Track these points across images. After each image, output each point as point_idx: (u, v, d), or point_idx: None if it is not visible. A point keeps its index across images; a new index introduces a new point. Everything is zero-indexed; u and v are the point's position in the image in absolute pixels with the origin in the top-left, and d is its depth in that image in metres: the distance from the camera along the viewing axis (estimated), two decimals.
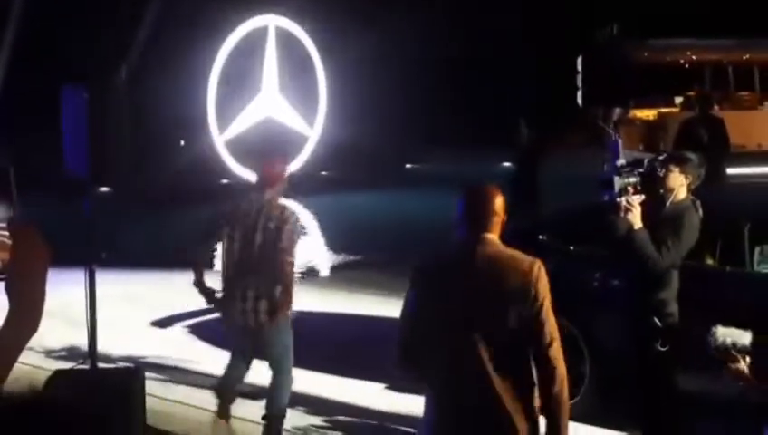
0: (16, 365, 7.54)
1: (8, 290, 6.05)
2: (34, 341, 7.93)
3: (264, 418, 6.10)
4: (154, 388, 6.88)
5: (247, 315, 5.96)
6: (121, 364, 7.61)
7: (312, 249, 14.74)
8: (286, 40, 22.30)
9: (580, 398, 6.34)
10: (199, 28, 20.97)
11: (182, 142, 24.64)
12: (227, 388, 6.36)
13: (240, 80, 22.04)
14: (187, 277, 10.35)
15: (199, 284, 6.11)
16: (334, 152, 20.73)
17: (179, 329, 9.24)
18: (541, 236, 7.12)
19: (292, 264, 5.96)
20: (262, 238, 5.95)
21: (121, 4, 19.82)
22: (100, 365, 6.18)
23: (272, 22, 22.58)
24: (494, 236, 3.75)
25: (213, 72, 21.90)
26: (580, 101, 11.43)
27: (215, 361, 8.03)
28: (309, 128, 22.80)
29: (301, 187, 21.46)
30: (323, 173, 20.58)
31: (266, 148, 21.84)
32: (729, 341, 3.83)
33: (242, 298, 5.97)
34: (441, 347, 3.69)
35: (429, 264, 3.89)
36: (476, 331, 3.63)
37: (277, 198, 6.21)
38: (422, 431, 3.83)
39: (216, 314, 9.60)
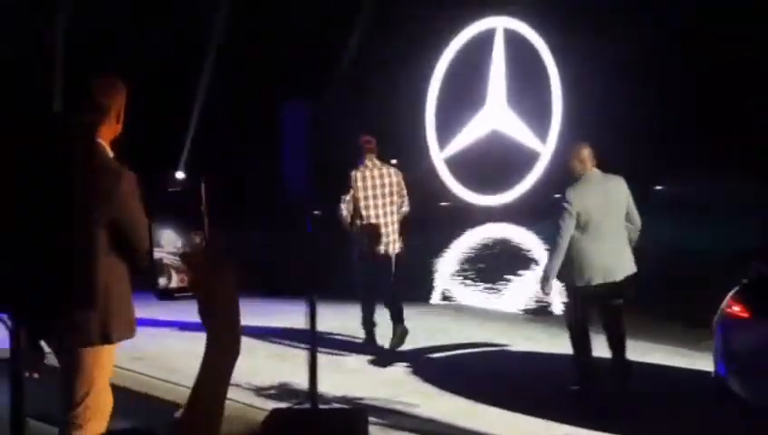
0: (227, 404, 7.95)
1: (201, 315, 6.11)
2: (241, 377, 8.36)
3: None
4: (374, 432, 7.05)
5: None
6: (338, 405, 7.83)
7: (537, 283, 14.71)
8: (516, 44, 22.30)
9: None
10: (416, 37, 21.37)
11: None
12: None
13: (462, 91, 22.25)
14: (406, 312, 10.47)
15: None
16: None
17: (399, 370, 9.41)
18: None
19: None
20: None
21: (333, 18, 20.52)
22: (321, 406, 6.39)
23: (500, 24, 22.53)
24: None
25: (432, 83, 22.20)
26: None
27: (436, 403, 8.15)
28: (541, 143, 22.75)
29: (531, 211, 21.51)
30: (558, 196, 20.45)
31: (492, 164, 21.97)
32: None
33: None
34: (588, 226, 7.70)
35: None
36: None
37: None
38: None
39: (437, 354, 9.89)
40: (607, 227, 7.71)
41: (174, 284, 3.13)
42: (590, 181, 7.76)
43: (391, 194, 9.75)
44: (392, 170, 9.87)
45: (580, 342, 7.96)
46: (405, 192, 9.88)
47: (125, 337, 4.87)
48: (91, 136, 4.63)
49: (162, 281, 3.14)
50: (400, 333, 9.84)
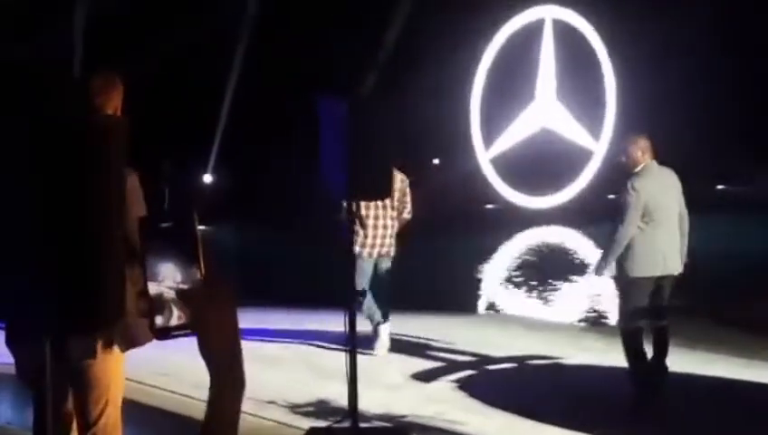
0: (260, 422, 7.92)
1: (201, 351, 5.88)
2: (275, 393, 8.33)
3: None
4: None
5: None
6: (379, 423, 7.77)
7: (595, 295, 14.61)
8: (566, 35, 22.13)
9: None
10: (460, 29, 21.32)
11: (435, 161, 25.20)
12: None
13: (509, 86, 22.15)
14: (450, 323, 10.45)
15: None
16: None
17: (444, 385, 9.35)
18: None
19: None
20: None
21: (370, 10, 20.55)
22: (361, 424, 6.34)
23: (549, 14, 22.36)
24: None
25: (477, 78, 22.14)
26: None
27: (484, 421, 8.06)
28: (594, 141, 22.59)
29: (584, 213, 21.38)
30: (612, 197, 20.32)
31: (541, 165, 21.89)
32: None
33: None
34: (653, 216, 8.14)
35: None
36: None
37: None
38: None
39: (485, 367, 9.83)
40: (666, 218, 8.20)
41: (174, 321, 3.09)
42: (652, 171, 8.22)
43: (392, 199, 10.10)
44: (399, 176, 10.17)
45: (635, 348, 8.30)
46: (408, 199, 10.35)
47: (140, 344, 4.56)
48: (124, 136, 4.64)
49: (160, 320, 3.08)
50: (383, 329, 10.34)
